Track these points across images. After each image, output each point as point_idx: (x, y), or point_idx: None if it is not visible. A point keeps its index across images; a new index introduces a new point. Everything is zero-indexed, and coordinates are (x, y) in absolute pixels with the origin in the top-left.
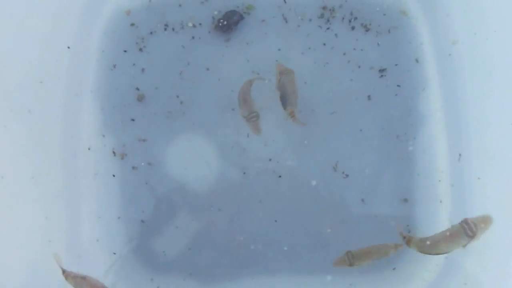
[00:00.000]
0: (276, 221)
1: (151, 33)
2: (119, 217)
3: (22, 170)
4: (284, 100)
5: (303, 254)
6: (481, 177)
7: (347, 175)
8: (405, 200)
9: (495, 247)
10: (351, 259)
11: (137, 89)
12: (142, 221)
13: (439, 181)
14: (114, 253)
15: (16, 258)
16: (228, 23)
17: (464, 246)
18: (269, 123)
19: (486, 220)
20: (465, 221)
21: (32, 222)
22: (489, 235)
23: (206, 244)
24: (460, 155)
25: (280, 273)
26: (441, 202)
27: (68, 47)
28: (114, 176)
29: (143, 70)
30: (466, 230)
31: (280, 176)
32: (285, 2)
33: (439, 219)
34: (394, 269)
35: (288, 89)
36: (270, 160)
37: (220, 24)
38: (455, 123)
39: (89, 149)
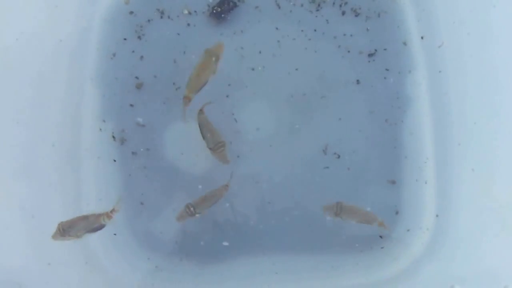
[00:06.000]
0: (269, 202)
1: (148, 21)
2: (119, 199)
3: (28, 156)
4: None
5: (296, 234)
6: (465, 159)
7: (338, 156)
8: (393, 182)
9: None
10: (339, 210)
11: (136, 77)
12: (141, 203)
13: (425, 162)
14: (115, 234)
15: (19, 239)
16: (222, 10)
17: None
18: (261, 108)
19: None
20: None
21: (36, 203)
22: (477, 219)
23: (202, 226)
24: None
25: (274, 253)
26: (426, 183)
27: (69, 36)
28: (114, 161)
29: (141, 57)
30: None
31: (272, 159)
32: None
33: (424, 199)
34: (382, 248)
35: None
36: (262, 143)
37: (214, 11)
38: (441, 106)
39: (93, 134)
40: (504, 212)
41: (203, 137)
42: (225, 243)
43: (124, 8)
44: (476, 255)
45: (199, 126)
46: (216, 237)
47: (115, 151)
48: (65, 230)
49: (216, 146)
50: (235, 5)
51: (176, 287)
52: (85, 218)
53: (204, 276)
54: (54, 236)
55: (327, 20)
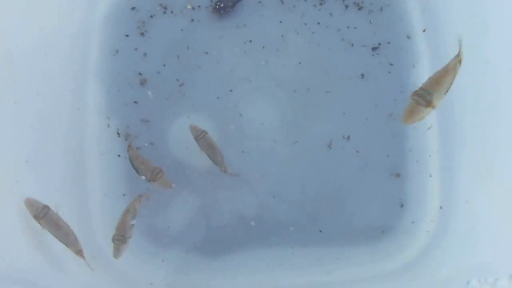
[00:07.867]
0: (274, 196)
1: (151, 16)
2: (124, 194)
3: (33, 152)
4: (212, 161)
5: (299, 228)
6: (469, 152)
7: (348, 136)
8: (397, 175)
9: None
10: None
11: (140, 73)
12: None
13: (429, 156)
14: None
15: (24, 236)
16: (225, 5)
17: None
18: (265, 103)
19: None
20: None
21: (43, 198)
22: (481, 211)
23: (207, 219)
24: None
25: (279, 246)
26: (430, 176)
27: (72, 33)
28: (119, 156)
29: (145, 54)
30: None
31: (276, 154)
32: None
33: (429, 192)
34: (383, 232)
35: (208, 152)
36: (267, 138)
37: (217, 7)
38: (444, 100)
39: (98, 130)
40: (507, 204)
41: (138, 172)
42: (230, 237)
43: (126, 4)
44: (480, 246)
45: (131, 162)
46: (222, 230)
47: (119, 146)
48: (124, 237)
49: (153, 174)
50: (238, 0)
51: (183, 280)
52: (126, 212)
53: (211, 269)
54: (115, 255)
55: (330, 13)
